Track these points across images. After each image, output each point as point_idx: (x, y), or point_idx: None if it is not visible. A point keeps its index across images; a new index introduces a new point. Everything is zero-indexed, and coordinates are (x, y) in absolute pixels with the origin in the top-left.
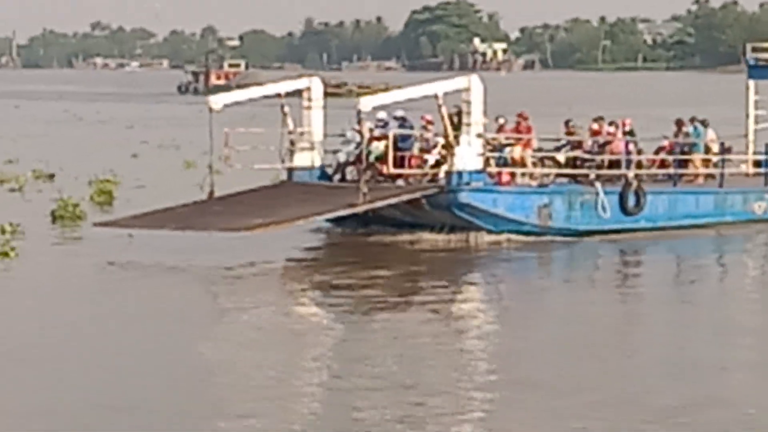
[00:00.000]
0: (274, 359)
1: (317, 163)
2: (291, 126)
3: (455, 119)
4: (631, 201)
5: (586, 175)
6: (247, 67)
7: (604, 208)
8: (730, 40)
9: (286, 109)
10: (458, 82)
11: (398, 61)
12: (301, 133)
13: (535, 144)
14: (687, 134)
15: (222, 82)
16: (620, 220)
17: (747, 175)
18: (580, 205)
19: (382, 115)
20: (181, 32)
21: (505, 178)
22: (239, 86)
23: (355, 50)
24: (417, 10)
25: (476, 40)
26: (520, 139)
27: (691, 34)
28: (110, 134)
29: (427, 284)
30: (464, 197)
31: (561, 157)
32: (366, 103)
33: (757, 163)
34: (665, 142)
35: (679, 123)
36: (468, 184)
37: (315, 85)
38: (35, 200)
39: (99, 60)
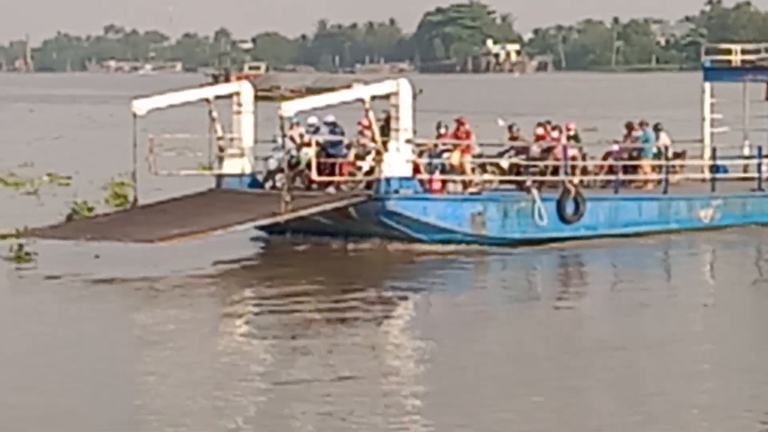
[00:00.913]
0: (203, 373)
1: (247, 170)
2: (220, 131)
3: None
4: (569, 208)
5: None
6: (267, 69)
7: (541, 216)
8: (744, 41)
9: (215, 114)
10: (386, 86)
11: (411, 62)
12: (231, 139)
13: (476, 150)
14: (636, 139)
15: None
16: (558, 228)
17: (703, 180)
18: (516, 212)
19: (312, 120)
20: (194, 35)
21: (437, 185)
22: (260, 89)
23: (368, 52)
24: (430, 11)
25: (489, 42)
26: (458, 145)
27: (704, 35)
28: (125, 137)
29: (358, 294)
30: (392, 205)
31: (504, 163)
32: (288, 108)
33: (714, 168)
34: (615, 147)
35: (630, 127)
36: (396, 191)
37: (245, 90)
38: (51, 203)
39: (113, 63)
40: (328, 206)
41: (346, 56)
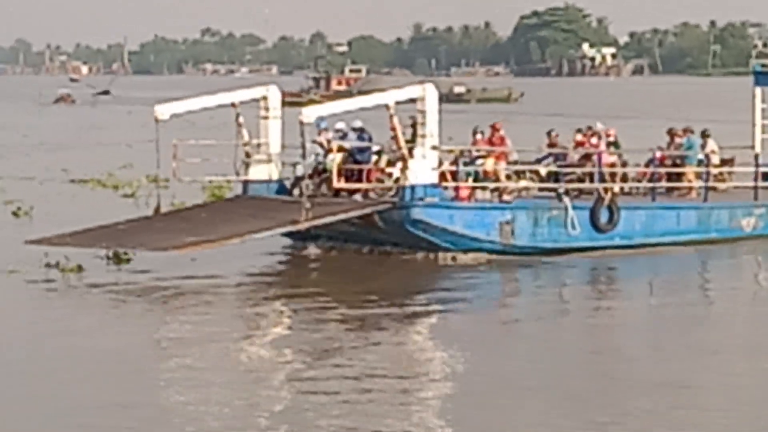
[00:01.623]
0: (228, 390)
1: (274, 176)
2: (246, 137)
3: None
4: (603, 217)
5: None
6: (368, 72)
7: (573, 225)
8: None
9: (241, 119)
10: (411, 91)
11: (507, 66)
12: (258, 145)
13: (513, 156)
14: (679, 146)
15: (343, 87)
16: (592, 238)
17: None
18: (547, 221)
19: (340, 125)
20: (290, 38)
21: (465, 192)
22: (360, 92)
23: (463, 55)
24: (526, 15)
25: (585, 45)
26: (492, 152)
27: None
28: (223, 139)
29: (383, 302)
30: (417, 213)
31: (543, 170)
32: (308, 114)
33: (765, 176)
34: (658, 154)
35: (672, 133)
36: (421, 199)
37: (272, 94)
38: (149, 205)
39: (209, 66)
40: (350, 214)
41: (441, 59)
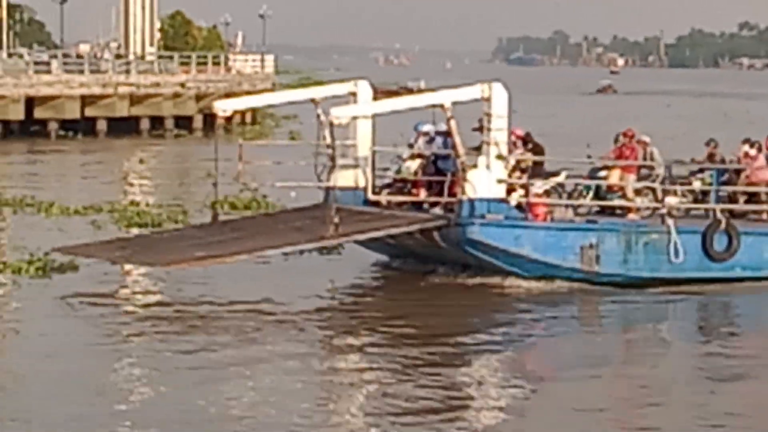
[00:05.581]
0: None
1: (362, 183)
2: (329, 138)
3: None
4: (718, 243)
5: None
6: None
7: (676, 252)
8: None
9: (323, 118)
10: (474, 90)
11: None
12: (348, 147)
13: (660, 170)
14: None
15: None
16: (702, 267)
17: None
18: (644, 246)
19: (428, 128)
20: None
21: (541, 210)
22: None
23: None
24: None
25: None
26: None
27: None
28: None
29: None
30: (474, 232)
31: (697, 184)
32: (338, 114)
33: None
34: None
35: None
36: (483, 216)
37: (362, 90)
38: None
39: (745, 60)
40: (387, 231)
41: None
